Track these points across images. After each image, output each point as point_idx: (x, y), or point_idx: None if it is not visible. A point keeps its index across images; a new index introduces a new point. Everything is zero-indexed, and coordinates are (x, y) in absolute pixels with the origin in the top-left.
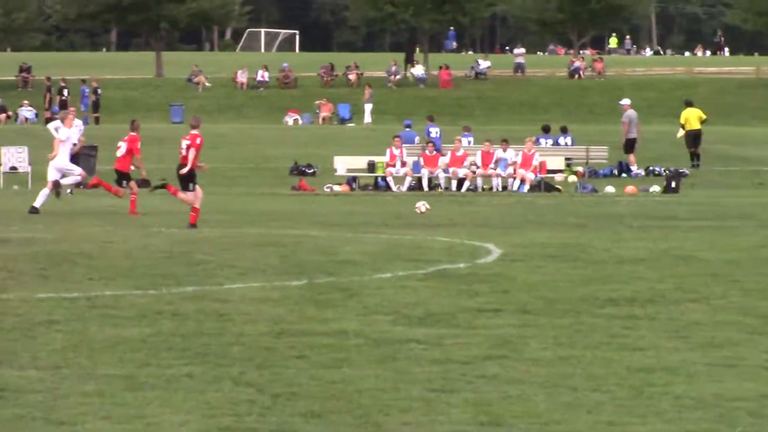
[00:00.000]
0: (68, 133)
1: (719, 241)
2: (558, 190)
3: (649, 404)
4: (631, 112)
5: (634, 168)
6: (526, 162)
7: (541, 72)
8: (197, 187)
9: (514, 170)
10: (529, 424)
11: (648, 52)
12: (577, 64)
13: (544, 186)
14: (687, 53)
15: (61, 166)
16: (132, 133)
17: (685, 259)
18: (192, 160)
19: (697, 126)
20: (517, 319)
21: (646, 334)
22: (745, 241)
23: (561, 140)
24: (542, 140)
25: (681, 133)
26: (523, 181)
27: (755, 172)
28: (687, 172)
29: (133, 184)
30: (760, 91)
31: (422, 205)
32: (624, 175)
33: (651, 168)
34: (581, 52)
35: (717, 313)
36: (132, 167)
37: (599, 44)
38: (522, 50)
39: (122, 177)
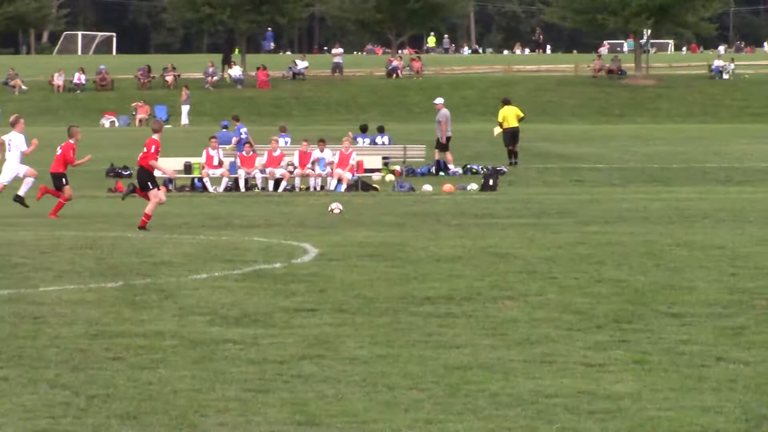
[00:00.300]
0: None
1: (537, 238)
2: (375, 189)
3: (466, 402)
4: (446, 111)
5: (451, 166)
6: (344, 161)
7: (360, 72)
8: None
9: (332, 170)
10: (347, 423)
11: (467, 51)
12: (395, 63)
13: (361, 185)
14: (506, 52)
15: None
16: (69, 140)
17: (503, 256)
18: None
19: (514, 124)
20: (333, 318)
21: (462, 332)
22: (563, 238)
23: (378, 139)
24: (359, 139)
25: (498, 131)
26: (340, 181)
27: (574, 169)
28: (505, 169)
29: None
30: (578, 88)
31: (336, 207)
32: (442, 173)
33: (469, 166)
34: (399, 51)
35: (534, 311)
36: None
37: (417, 44)
38: (340, 50)
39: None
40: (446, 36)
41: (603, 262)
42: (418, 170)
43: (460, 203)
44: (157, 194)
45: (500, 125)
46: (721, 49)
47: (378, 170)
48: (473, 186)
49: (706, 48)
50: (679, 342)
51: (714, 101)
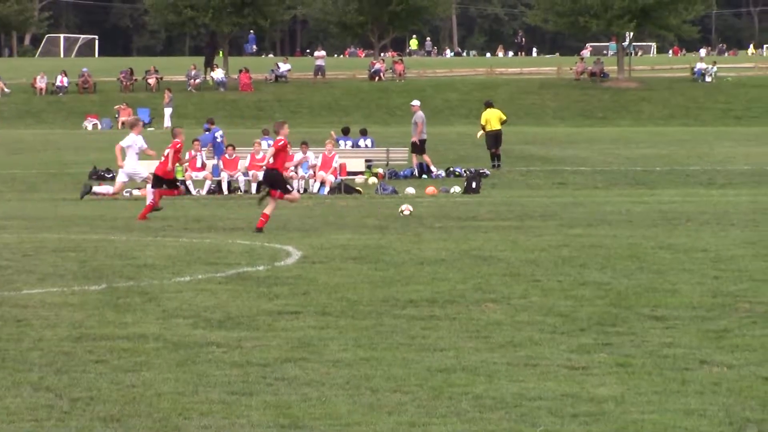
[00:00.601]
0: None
1: (520, 241)
2: (358, 191)
3: (449, 405)
4: (422, 113)
5: (434, 169)
6: (326, 164)
7: (342, 74)
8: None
9: (314, 172)
10: (330, 426)
11: (449, 53)
12: (378, 66)
13: (344, 188)
14: (488, 54)
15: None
16: (175, 140)
17: (486, 259)
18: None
19: (497, 127)
20: (317, 321)
21: (446, 335)
22: (546, 241)
23: (361, 142)
24: (342, 142)
25: (480, 133)
26: (323, 183)
27: (556, 172)
28: (487, 172)
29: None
30: (561, 91)
31: (407, 208)
32: (425, 176)
33: (452, 169)
34: (382, 54)
35: (517, 313)
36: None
37: (400, 46)
38: (322, 53)
39: (164, 182)
40: (428, 38)
41: (586, 264)
42: (401, 173)
43: (443, 206)
44: (293, 195)
45: (483, 128)
46: (703, 51)
47: (361, 173)
48: (456, 189)
49: (688, 51)
50: (662, 345)
51: (697, 104)
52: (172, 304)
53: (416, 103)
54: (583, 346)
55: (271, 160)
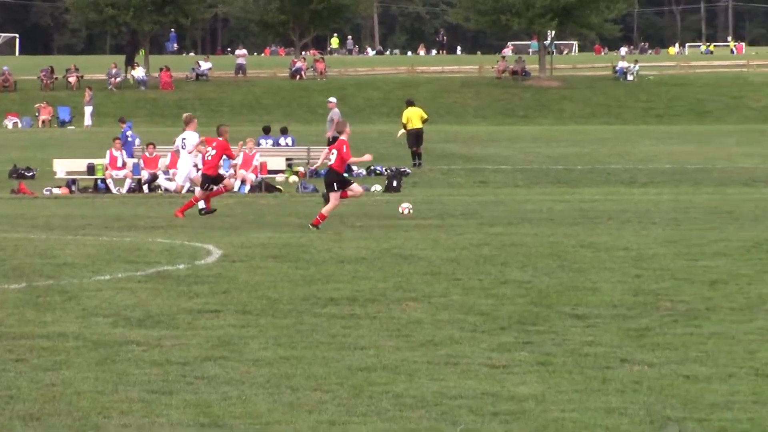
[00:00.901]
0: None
1: (441, 239)
2: (279, 190)
3: (370, 403)
4: (338, 110)
5: (355, 167)
6: (247, 162)
7: (263, 73)
8: None
9: (235, 171)
10: (250, 424)
11: (371, 52)
12: (299, 64)
13: (264, 186)
14: (410, 53)
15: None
16: (219, 139)
17: (407, 258)
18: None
19: (418, 125)
20: (237, 319)
21: (366, 334)
22: (467, 239)
23: (281, 141)
24: (263, 141)
25: (400, 132)
26: (244, 182)
27: (478, 171)
28: (409, 171)
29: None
30: (482, 89)
31: (406, 208)
32: (345, 174)
33: (373, 167)
34: (303, 52)
35: (438, 312)
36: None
37: (321, 45)
38: (243, 51)
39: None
40: (350, 37)
41: (507, 263)
42: (322, 171)
43: (364, 204)
44: (356, 190)
45: (404, 126)
46: (623, 50)
47: (281, 171)
48: (377, 187)
49: (611, 49)
50: (583, 343)
51: (618, 103)
52: (92, 302)
53: (333, 100)
54: (504, 345)
55: (332, 160)
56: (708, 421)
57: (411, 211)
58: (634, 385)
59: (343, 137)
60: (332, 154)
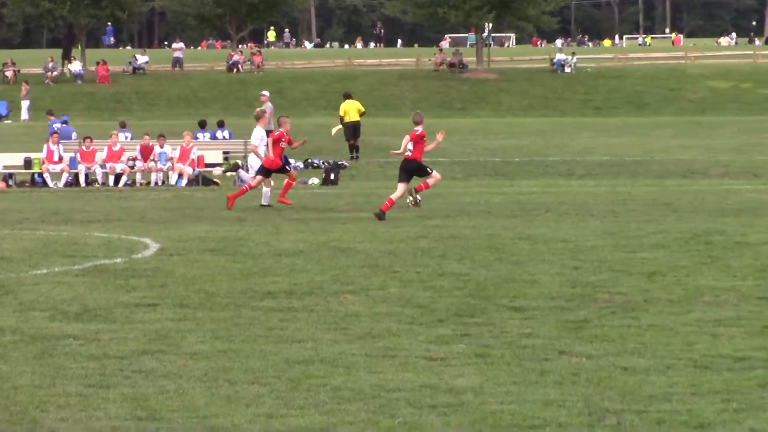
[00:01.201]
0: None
1: (378, 232)
2: (216, 183)
3: (307, 396)
4: (270, 104)
5: (292, 160)
6: (184, 156)
7: (200, 66)
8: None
9: (173, 165)
10: (188, 418)
11: (309, 45)
12: (236, 58)
13: (202, 180)
14: (347, 46)
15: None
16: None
17: (344, 250)
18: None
19: (356, 118)
20: (174, 313)
21: (304, 327)
22: (405, 232)
23: (218, 134)
24: (200, 134)
25: (335, 129)
26: (181, 175)
27: None
28: (346, 164)
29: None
30: (420, 82)
31: (411, 201)
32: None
33: (310, 160)
34: (240, 46)
35: (376, 305)
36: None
37: (258, 38)
38: (180, 45)
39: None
40: (287, 30)
41: (445, 255)
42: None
43: (302, 197)
44: (435, 176)
45: (341, 119)
46: (559, 42)
47: (219, 165)
48: (314, 180)
49: (548, 42)
50: (521, 335)
51: (556, 95)
52: (29, 296)
53: (266, 93)
54: (442, 337)
55: (410, 150)
56: (646, 412)
57: (419, 201)
58: (572, 377)
59: (418, 128)
60: (410, 144)
